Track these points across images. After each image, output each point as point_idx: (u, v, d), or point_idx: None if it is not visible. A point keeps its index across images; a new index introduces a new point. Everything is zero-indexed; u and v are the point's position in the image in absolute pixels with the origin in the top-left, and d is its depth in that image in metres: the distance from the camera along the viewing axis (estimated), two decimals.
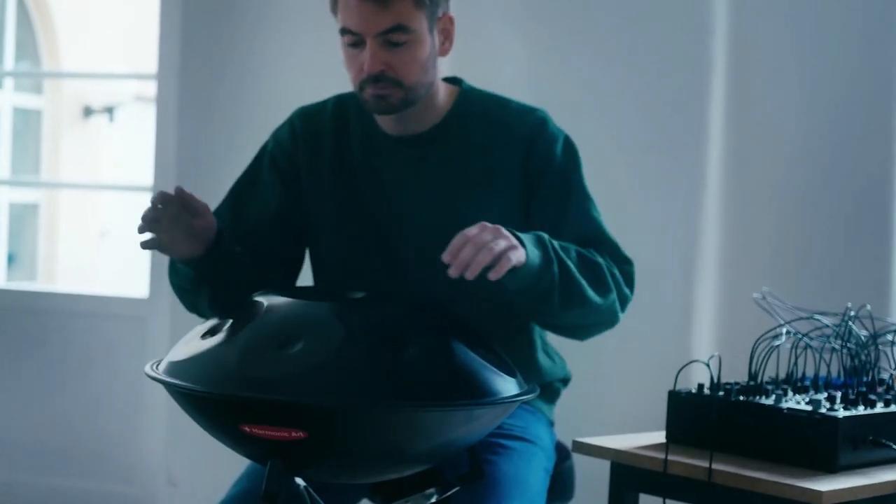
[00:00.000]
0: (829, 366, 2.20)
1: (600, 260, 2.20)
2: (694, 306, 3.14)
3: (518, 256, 1.99)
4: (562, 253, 2.11)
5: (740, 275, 3.18)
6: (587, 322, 2.21)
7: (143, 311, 3.98)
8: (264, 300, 1.96)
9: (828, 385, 2.17)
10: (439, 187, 2.27)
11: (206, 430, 1.93)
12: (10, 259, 8.86)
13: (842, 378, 2.17)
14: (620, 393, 3.13)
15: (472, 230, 1.96)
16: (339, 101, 2.38)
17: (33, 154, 8.96)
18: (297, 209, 2.35)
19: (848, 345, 2.15)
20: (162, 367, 1.95)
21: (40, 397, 4.02)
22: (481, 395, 1.87)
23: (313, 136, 2.35)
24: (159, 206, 2.07)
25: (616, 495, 2.10)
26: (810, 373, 2.24)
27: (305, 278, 2.42)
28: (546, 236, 2.10)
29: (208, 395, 1.82)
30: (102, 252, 9.34)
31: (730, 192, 3.20)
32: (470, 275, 1.93)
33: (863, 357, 2.15)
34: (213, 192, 3.71)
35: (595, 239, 2.26)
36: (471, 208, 2.24)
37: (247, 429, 1.81)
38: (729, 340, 3.12)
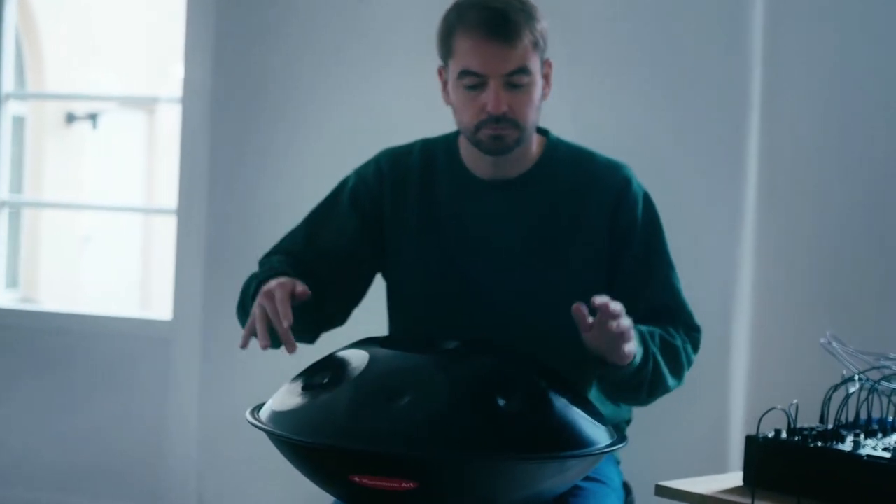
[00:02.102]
0: (886, 409, 2.28)
1: (678, 343, 2.30)
2: (731, 343, 3.21)
3: (631, 347, 2.10)
4: (654, 348, 2.21)
5: (775, 312, 3.25)
6: (656, 399, 2.33)
7: (166, 333, 4.01)
8: (365, 352, 2.01)
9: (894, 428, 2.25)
10: (527, 232, 2.33)
11: (311, 478, 1.99)
12: None
13: None
14: (665, 434, 3.19)
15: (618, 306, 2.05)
16: (426, 145, 2.44)
17: (16, 160, 8.93)
18: (371, 249, 2.40)
19: None
20: (265, 416, 2.00)
21: (64, 418, 4.04)
22: (580, 444, 1.94)
23: (401, 180, 2.40)
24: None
25: None
26: (873, 414, 2.32)
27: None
28: (647, 336, 2.20)
29: (324, 448, 1.87)
30: (86, 258, 9.32)
31: (763, 223, 3.27)
32: (617, 329, 2.03)
33: None
34: (241, 216, 3.79)
35: (673, 309, 2.36)
36: (557, 255, 2.31)
37: (357, 479, 1.86)
38: (771, 383, 3.21)
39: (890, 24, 3.25)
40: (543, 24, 2.29)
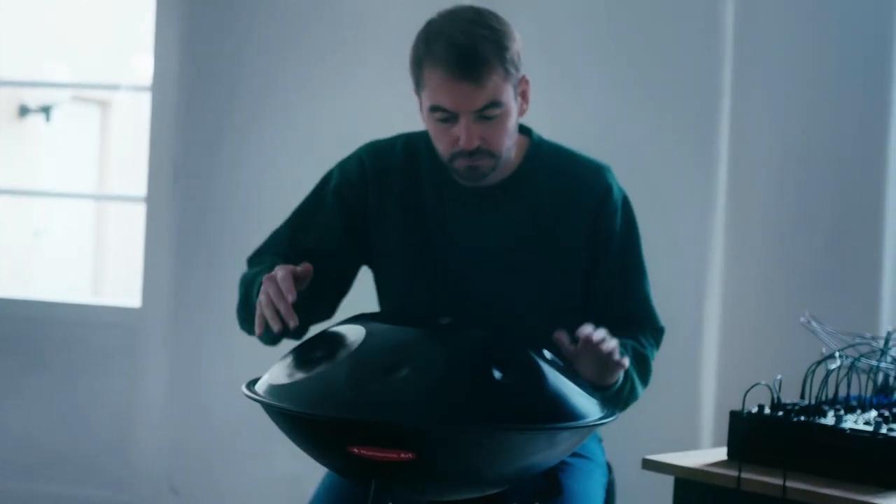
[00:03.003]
0: (865, 386, 2.34)
1: (649, 353, 2.38)
2: (703, 325, 3.26)
3: (618, 374, 2.18)
4: (631, 368, 2.27)
5: (745, 298, 3.32)
6: (627, 409, 2.38)
7: (135, 321, 4.01)
8: (361, 327, 2.03)
9: (877, 405, 2.30)
10: (508, 236, 2.35)
11: (308, 451, 2.00)
12: None
13: (893, 397, 2.31)
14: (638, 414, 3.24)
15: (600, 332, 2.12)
16: (409, 141, 2.43)
17: None
18: (357, 243, 2.41)
19: (888, 365, 2.29)
20: (262, 390, 2.02)
21: (32, 405, 4.03)
22: (575, 416, 1.97)
23: (383, 175, 2.40)
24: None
25: None
26: (843, 392, 2.37)
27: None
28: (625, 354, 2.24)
29: (324, 419, 1.89)
30: (37, 252, 9.25)
31: (732, 215, 3.34)
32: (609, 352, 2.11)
33: None
34: (210, 204, 3.80)
35: (642, 316, 2.43)
36: (538, 260, 2.34)
37: (355, 450, 1.89)
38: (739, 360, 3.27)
39: (858, 18, 3.32)
40: (516, 45, 2.25)
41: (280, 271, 2.08)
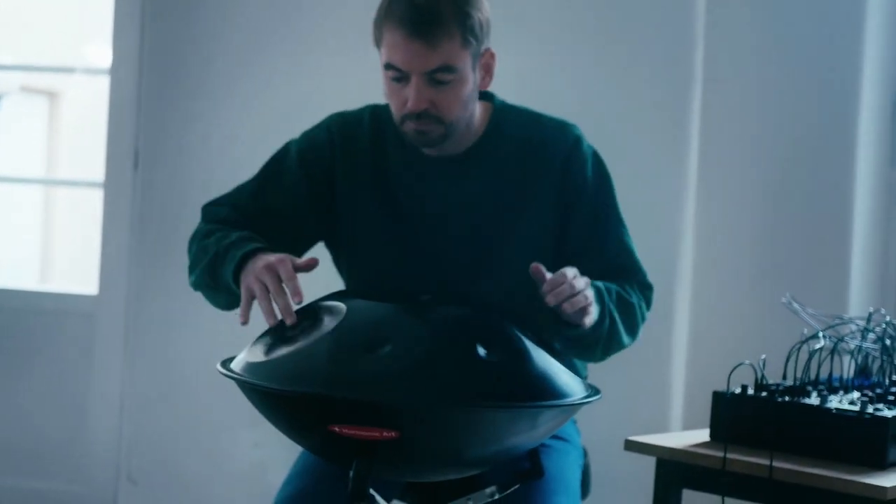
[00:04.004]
0: (848, 367, 2.33)
1: (634, 300, 2.30)
2: (674, 307, 3.24)
3: (593, 316, 2.09)
4: (611, 305, 2.20)
5: (716, 277, 3.31)
6: (610, 356, 2.32)
7: (92, 308, 3.94)
8: (341, 303, 1.98)
9: (859, 386, 2.29)
10: (477, 204, 2.31)
11: (286, 430, 1.95)
12: None
13: (874, 378, 2.30)
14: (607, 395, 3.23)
15: (570, 272, 2.04)
16: (376, 111, 2.40)
17: None
18: (317, 213, 2.36)
19: (870, 346, 2.28)
20: (239, 367, 1.96)
21: None
22: (561, 395, 1.93)
23: (351, 144, 2.36)
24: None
25: (664, 493, 2.17)
26: (825, 373, 2.36)
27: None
28: (605, 293, 2.19)
29: (305, 397, 1.84)
30: None
31: (702, 199, 3.33)
32: (570, 308, 2.03)
33: (889, 359, 2.27)
34: (168, 191, 3.73)
35: (627, 267, 2.36)
36: (507, 225, 2.30)
37: (336, 429, 1.83)
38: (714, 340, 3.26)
39: (824, 4, 3.33)
40: (481, 15, 2.21)
41: (282, 266, 2.03)
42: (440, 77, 2.18)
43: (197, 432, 3.70)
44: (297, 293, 2.00)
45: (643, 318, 2.35)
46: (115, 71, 3.90)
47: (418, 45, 2.16)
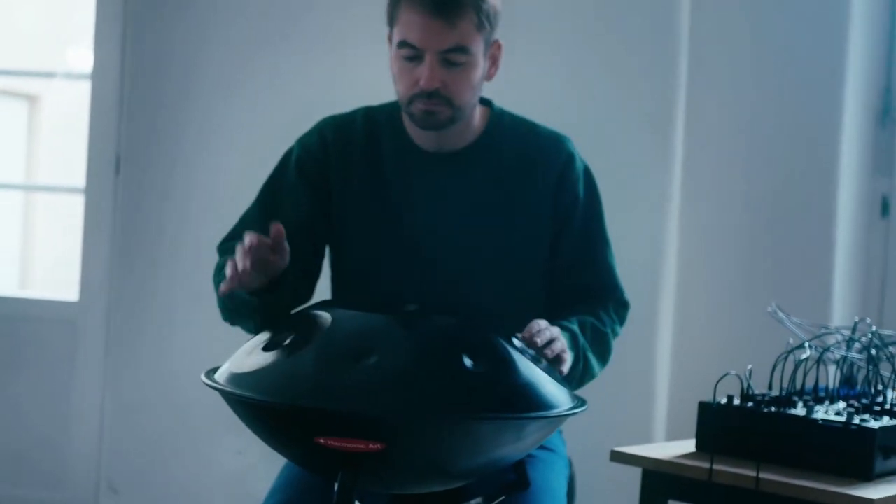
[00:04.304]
0: (834, 377, 2.32)
1: (608, 329, 2.33)
2: (658, 317, 3.24)
3: (567, 366, 2.10)
4: (584, 345, 2.24)
5: (698, 287, 3.31)
6: (583, 386, 2.34)
7: (73, 315, 3.92)
8: (327, 313, 1.97)
9: (845, 396, 2.28)
10: (472, 204, 2.32)
11: (271, 442, 1.93)
12: None
13: (859, 388, 2.29)
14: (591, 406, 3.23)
15: (542, 322, 2.07)
16: (369, 113, 2.41)
17: None
18: (323, 216, 2.37)
19: (856, 356, 2.27)
20: (223, 377, 1.94)
21: None
22: (548, 405, 1.92)
23: (344, 146, 2.37)
24: (248, 248, 2.01)
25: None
26: (810, 383, 2.35)
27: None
28: (578, 335, 2.22)
29: (291, 409, 1.82)
30: None
31: (687, 209, 3.33)
32: (550, 354, 2.05)
33: (875, 369, 2.27)
34: (151, 197, 3.71)
35: (607, 286, 2.40)
36: (502, 228, 2.31)
37: (322, 441, 1.82)
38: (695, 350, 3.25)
39: (808, 14, 3.33)
40: (493, 3, 2.24)
41: (246, 238, 2.02)
42: (453, 58, 2.20)
43: (179, 440, 3.68)
44: (250, 246, 1.99)
45: (615, 337, 2.39)
46: (96, 76, 3.88)
47: (437, 23, 2.17)
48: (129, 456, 3.73)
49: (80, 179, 3.95)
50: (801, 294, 3.32)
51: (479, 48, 2.23)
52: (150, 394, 3.73)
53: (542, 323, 2.07)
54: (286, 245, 2.05)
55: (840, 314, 3.34)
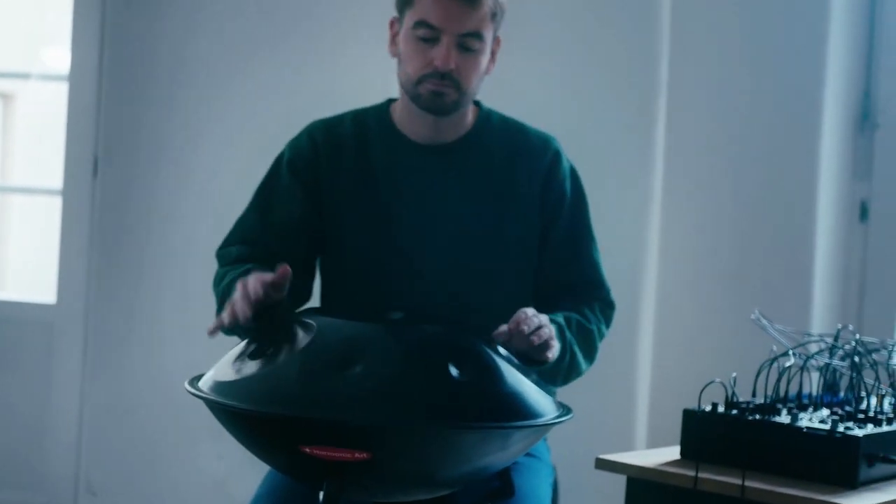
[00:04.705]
0: (818, 383, 2.33)
1: (594, 327, 2.36)
2: (639, 322, 3.23)
3: (554, 352, 2.12)
4: (571, 338, 2.26)
5: (678, 289, 3.31)
6: (569, 383, 2.36)
7: (50, 317, 3.89)
8: (312, 322, 1.96)
9: (830, 403, 2.28)
10: (463, 196, 2.35)
11: (256, 451, 1.92)
12: None
13: (842, 395, 2.29)
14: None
15: (529, 310, 2.08)
16: (357, 115, 2.43)
17: None
18: (316, 214, 2.38)
19: (840, 363, 2.28)
20: (207, 386, 1.93)
21: None
22: (534, 414, 1.92)
23: (334, 146, 2.39)
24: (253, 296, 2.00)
25: None
26: (793, 390, 2.35)
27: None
28: (565, 327, 2.24)
29: (276, 417, 1.81)
30: None
31: (668, 216, 3.33)
32: (537, 340, 2.06)
33: (858, 377, 2.27)
34: (129, 198, 3.69)
35: (593, 283, 2.44)
36: (493, 218, 2.34)
37: (307, 449, 1.81)
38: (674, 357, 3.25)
39: (788, 18, 3.34)
40: (502, 0, 2.31)
41: (250, 280, 2.01)
42: (468, 43, 2.26)
43: (159, 443, 3.66)
44: (255, 290, 1.99)
45: (602, 336, 2.41)
46: (73, 76, 3.86)
47: (459, 6, 2.23)
48: (108, 459, 3.71)
49: (55, 180, 3.93)
50: (782, 298, 3.33)
51: (489, 36, 2.29)
52: (130, 397, 3.71)
53: (530, 311, 2.09)
54: (287, 283, 2.03)
55: (820, 318, 3.35)
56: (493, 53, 2.34)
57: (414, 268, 2.33)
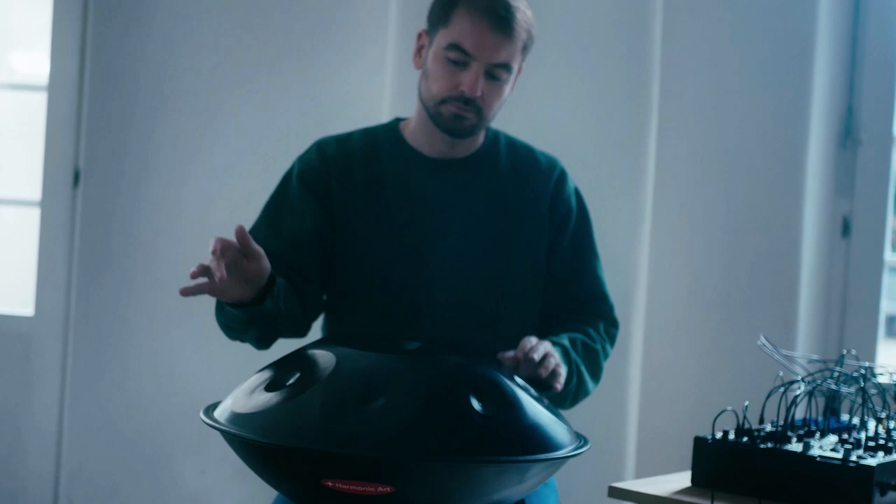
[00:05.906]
0: (824, 410, 2.34)
1: (598, 346, 2.39)
2: (630, 341, 3.24)
3: (562, 381, 2.17)
4: (577, 360, 2.28)
5: (665, 309, 3.33)
6: (577, 404, 2.40)
7: (27, 330, 3.84)
8: (330, 352, 1.94)
9: (835, 429, 2.30)
10: (473, 208, 2.37)
11: (276, 484, 1.91)
12: None
13: (844, 420, 2.31)
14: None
15: (533, 339, 2.13)
16: (366, 131, 2.45)
17: None
18: (328, 225, 2.37)
19: (848, 390, 2.29)
20: (224, 417, 1.91)
21: None
22: (553, 446, 1.92)
23: (345, 159, 2.40)
24: (219, 251, 1.99)
25: None
26: (801, 415, 2.37)
27: None
28: (570, 350, 2.26)
29: (298, 451, 1.80)
30: None
31: (657, 238, 3.35)
32: (544, 372, 2.11)
33: (866, 404, 2.28)
34: (109, 209, 3.65)
35: (597, 299, 2.47)
36: (503, 236, 2.36)
37: (329, 483, 1.80)
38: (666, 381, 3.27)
39: (775, 38, 3.36)
40: (533, 33, 2.34)
41: (214, 241, 2.01)
42: (497, 73, 2.29)
43: (140, 458, 3.62)
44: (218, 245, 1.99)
45: (606, 357, 2.44)
46: (52, 87, 3.81)
47: (496, 38, 2.26)
48: (88, 474, 3.66)
49: (33, 191, 3.88)
50: (767, 315, 3.34)
51: (516, 68, 2.32)
52: (111, 412, 3.66)
53: (533, 339, 2.12)
54: (256, 247, 2.04)
55: (803, 334, 3.37)
56: (513, 82, 2.36)
57: (424, 278, 2.34)
